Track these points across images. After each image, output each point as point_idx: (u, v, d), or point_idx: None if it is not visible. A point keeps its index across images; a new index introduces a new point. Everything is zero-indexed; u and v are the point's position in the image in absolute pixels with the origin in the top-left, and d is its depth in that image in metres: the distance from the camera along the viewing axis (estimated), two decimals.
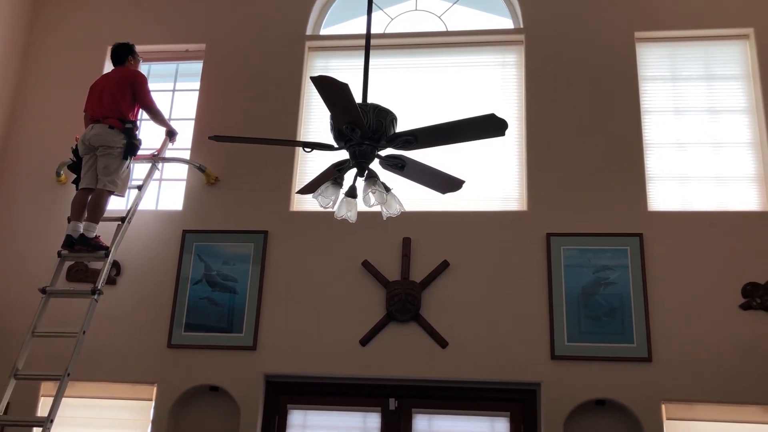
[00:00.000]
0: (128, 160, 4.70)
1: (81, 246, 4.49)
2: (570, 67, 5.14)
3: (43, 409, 4.71)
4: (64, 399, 4.03)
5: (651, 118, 5.04)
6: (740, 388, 4.35)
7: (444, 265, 4.78)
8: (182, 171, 5.29)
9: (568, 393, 4.45)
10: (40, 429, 3.89)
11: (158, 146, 5.07)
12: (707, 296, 4.54)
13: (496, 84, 5.27)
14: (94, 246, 4.51)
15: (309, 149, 3.52)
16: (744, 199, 4.82)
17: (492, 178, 5.04)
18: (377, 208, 3.42)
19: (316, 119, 5.30)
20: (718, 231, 4.67)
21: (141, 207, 4.88)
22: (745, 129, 4.97)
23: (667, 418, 4.38)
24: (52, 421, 3.90)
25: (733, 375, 4.37)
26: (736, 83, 5.09)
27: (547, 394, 4.47)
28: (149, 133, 5.20)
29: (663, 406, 4.38)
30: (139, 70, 4.99)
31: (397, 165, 3.46)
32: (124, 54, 4.96)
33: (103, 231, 4.61)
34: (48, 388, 4.72)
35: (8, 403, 4.09)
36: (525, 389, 4.61)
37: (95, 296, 4.30)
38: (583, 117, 5.01)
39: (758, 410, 4.37)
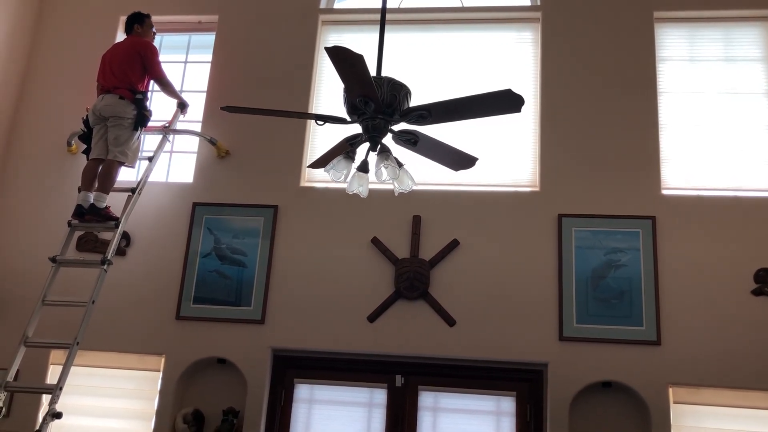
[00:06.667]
0: (139, 131, 4.68)
1: (91, 216, 4.50)
2: (586, 46, 5.07)
3: (52, 377, 4.76)
4: (73, 367, 4.05)
5: (667, 99, 4.97)
6: (749, 374, 4.32)
7: (454, 244, 4.76)
8: (193, 143, 5.27)
9: (575, 374, 4.44)
10: (50, 396, 3.92)
11: (169, 118, 5.05)
12: (719, 281, 4.50)
13: (512, 61, 5.20)
14: (104, 216, 4.52)
15: (321, 122, 3.49)
16: (759, 184, 4.75)
17: (505, 157, 4.99)
18: (389, 185, 3.39)
19: (328, 93, 5.25)
20: (732, 215, 4.62)
21: (151, 178, 4.87)
22: (763, 112, 4.89)
23: (674, 402, 4.37)
24: (61, 389, 3.93)
25: (742, 360, 4.34)
26: (756, 65, 4.99)
27: (554, 375, 4.46)
28: (160, 105, 5.17)
29: (670, 390, 4.37)
30: (151, 38, 4.95)
31: (410, 140, 3.42)
32: (131, 23, 4.93)
33: (114, 202, 4.61)
34: (57, 356, 4.75)
35: (18, 370, 4.12)
36: (532, 369, 4.61)
37: (105, 266, 4.30)
38: (599, 96, 4.95)
39: (766, 396, 4.35)
